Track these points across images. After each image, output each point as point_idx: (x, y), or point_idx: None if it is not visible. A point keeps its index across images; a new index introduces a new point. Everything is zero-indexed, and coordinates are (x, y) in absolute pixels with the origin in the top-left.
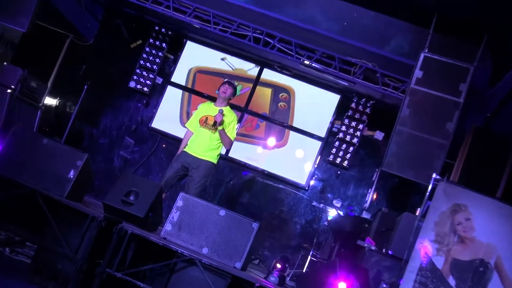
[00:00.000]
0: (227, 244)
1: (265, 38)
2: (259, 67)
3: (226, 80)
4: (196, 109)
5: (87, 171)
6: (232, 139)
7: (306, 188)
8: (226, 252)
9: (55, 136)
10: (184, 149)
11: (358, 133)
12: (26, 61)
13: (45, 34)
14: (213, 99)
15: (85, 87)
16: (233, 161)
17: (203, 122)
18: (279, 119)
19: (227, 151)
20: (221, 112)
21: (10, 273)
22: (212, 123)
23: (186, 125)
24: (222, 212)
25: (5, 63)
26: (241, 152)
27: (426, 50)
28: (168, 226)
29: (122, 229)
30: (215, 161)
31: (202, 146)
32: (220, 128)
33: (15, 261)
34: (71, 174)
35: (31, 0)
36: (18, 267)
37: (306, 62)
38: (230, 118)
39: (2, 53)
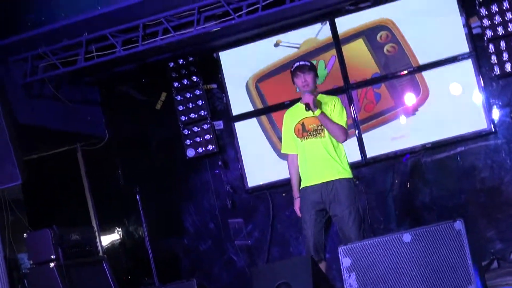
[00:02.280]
0: (439, 272)
1: None
2: (327, 23)
3: (295, 66)
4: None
5: None
6: (344, 124)
7: (493, 129)
8: (445, 283)
9: (144, 278)
10: (302, 186)
11: (510, 15)
12: (46, 213)
13: (47, 164)
14: (297, 101)
15: (137, 197)
16: (379, 159)
17: (301, 132)
18: (398, 69)
19: (362, 152)
20: (306, 90)
21: None
22: (306, 108)
23: (282, 151)
24: (407, 237)
25: (25, 234)
26: (380, 140)
27: None
28: None
29: None
30: (349, 174)
31: (320, 164)
32: (317, 112)
33: None
34: None
35: (4, 143)
36: None
37: None
38: (330, 101)
39: (13, 221)
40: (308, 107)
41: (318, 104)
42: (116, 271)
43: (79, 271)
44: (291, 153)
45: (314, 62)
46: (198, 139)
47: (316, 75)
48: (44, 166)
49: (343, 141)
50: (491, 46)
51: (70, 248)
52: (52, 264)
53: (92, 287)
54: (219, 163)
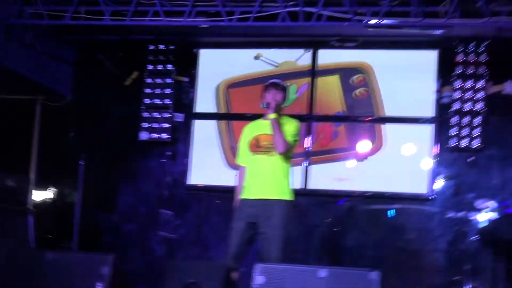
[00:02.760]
0: None
1: (304, 9)
2: (310, 51)
3: (271, 81)
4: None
5: (121, 277)
6: (291, 142)
7: (432, 196)
8: None
9: (65, 241)
10: (242, 196)
11: (480, 95)
12: None
13: (3, 107)
14: (260, 116)
15: (81, 163)
16: (318, 193)
17: (254, 146)
18: (362, 114)
19: (305, 183)
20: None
21: None
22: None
23: (237, 161)
24: (323, 272)
25: None
26: (324, 176)
27: None
28: None
29: None
30: (290, 197)
31: (264, 181)
32: (273, 115)
33: None
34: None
35: None
36: None
37: (373, 21)
38: (290, 122)
39: None
40: (268, 105)
41: (275, 107)
42: (39, 228)
43: (4, 217)
44: (244, 166)
45: (288, 85)
46: (155, 125)
47: (285, 98)
48: (0, 109)
49: (280, 153)
50: (454, 119)
51: (2, 192)
52: None
53: (11, 235)
54: (168, 153)
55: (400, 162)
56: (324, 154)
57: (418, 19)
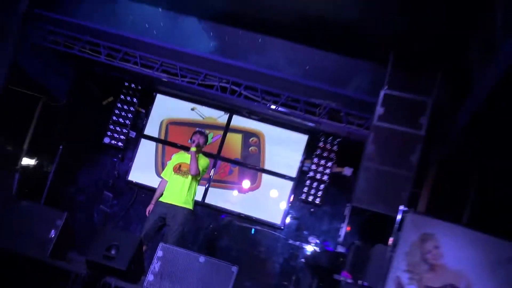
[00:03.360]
0: None
1: (232, 86)
2: (228, 114)
3: (197, 130)
4: (171, 158)
5: (68, 229)
6: (201, 170)
7: (282, 227)
8: None
9: (35, 198)
10: (160, 199)
11: (327, 171)
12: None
13: (18, 97)
14: (186, 148)
15: (60, 147)
16: (210, 207)
17: (177, 169)
18: (251, 163)
19: (204, 198)
20: (200, 134)
21: None
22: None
23: (161, 175)
24: (202, 259)
25: None
26: (217, 197)
27: (386, 88)
28: (150, 277)
29: (106, 283)
30: (190, 206)
31: (176, 193)
32: (193, 149)
33: None
34: (52, 233)
35: (2, 67)
36: None
37: (273, 106)
38: (204, 158)
39: None
40: (193, 141)
41: (198, 145)
42: (21, 183)
43: None
44: (165, 178)
45: (208, 131)
46: (115, 135)
47: (206, 142)
48: (16, 97)
49: (192, 175)
50: (308, 181)
51: (1, 153)
52: None
53: (1, 185)
54: (119, 155)
55: (267, 200)
56: (220, 183)
57: (301, 113)
